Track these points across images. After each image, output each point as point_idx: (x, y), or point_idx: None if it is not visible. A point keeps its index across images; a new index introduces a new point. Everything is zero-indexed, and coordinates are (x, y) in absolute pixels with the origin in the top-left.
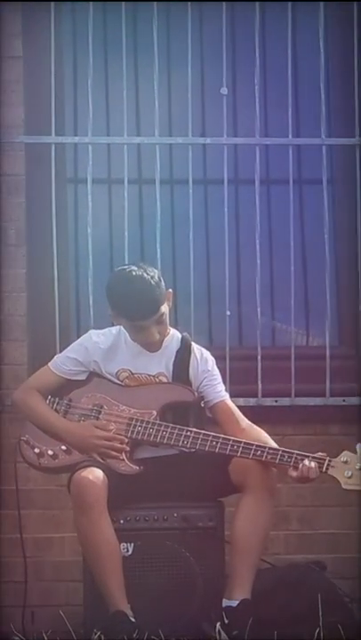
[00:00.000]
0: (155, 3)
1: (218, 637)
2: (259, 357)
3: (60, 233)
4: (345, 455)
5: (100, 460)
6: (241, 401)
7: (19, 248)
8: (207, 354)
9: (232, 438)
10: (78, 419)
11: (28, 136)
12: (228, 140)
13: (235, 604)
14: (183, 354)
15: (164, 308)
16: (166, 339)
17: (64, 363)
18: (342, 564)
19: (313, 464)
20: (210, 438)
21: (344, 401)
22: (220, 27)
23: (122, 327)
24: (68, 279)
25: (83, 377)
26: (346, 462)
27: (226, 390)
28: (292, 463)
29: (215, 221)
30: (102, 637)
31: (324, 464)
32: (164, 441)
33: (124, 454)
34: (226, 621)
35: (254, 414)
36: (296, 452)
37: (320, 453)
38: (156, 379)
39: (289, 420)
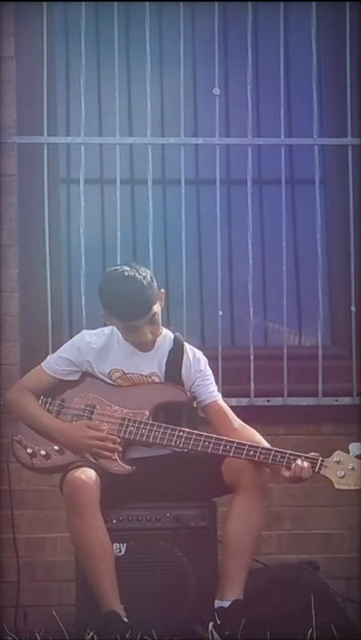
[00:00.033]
0: (147, 3)
1: (210, 638)
2: (251, 357)
3: (52, 233)
4: (338, 455)
5: (93, 461)
6: (233, 401)
7: (11, 248)
8: (200, 354)
9: (225, 438)
10: (71, 419)
11: (21, 136)
12: (221, 140)
13: (227, 604)
14: (176, 354)
15: (157, 308)
16: (159, 339)
17: (57, 363)
18: (335, 564)
19: (306, 464)
20: (202, 438)
21: (337, 401)
22: (212, 27)
23: (114, 327)
24: (60, 279)
25: (75, 377)
26: (338, 462)
27: (218, 390)
28: (284, 463)
29: (207, 221)
30: (95, 637)
31: (316, 464)
32: (157, 441)
33: (116, 454)
34: (218, 622)
35: (247, 414)
36: (289, 451)
37: (313, 453)
38: (148, 379)
39: (281, 420)
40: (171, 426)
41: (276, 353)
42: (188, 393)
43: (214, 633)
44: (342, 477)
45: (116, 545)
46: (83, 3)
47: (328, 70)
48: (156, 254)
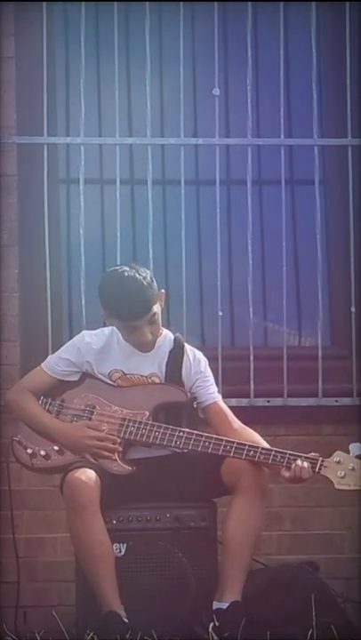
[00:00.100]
0: (147, 3)
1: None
2: (251, 358)
3: (52, 233)
4: (338, 455)
5: (93, 461)
6: (233, 401)
7: (11, 248)
8: (200, 355)
9: (225, 439)
10: (71, 419)
11: (21, 136)
12: (221, 140)
13: (225, 606)
14: (176, 354)
15: (157, 309)
16: (159, 339)
17: (57, 363)
18: (335, 565)
19: (306, 464)
20: (202, 439)
21: (337, 401)
22: (212, 27)
23: (114, 328)
24: (60, 279)
25: (75, 378)
26: (339, 462)
27: (218, 391)
28: (284, 463)
29: (207, 222)
30: (95, 638)
31: (316, 464)
32: (157, 441)
33: (116, 455)
34: (217, 624)
35: (247, 415)
36: (289, 452)
37: (313, 454)
38: (148, 379)
39: (281, 421)
40: (171, 426)
41: (276, 353)
42: (189, 394)
43: (213, 635)
44: (343, 478)
45: (116, 545)
46: (83, 3)
47: (328, 70)
48: (156, 254)
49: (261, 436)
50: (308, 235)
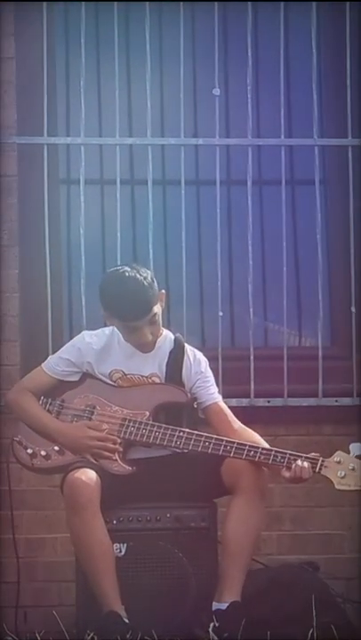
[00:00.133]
0: (147, 3)
1: None
2: (251, 358)
3: (52, 233)
4: (338, 455)
5: (93, 461)
6: (234, 401)
7: (11, 248)
8: (200, 355)
9: (225, 439)
10: (71, 419)
11: (21, 137)
12: (221, 140)
13: (224, 606)
14: (176, 355)
15: (157, 309)
16: (159, 339)
17: (57, 364)
18: (335, 565)
19: (306, 464)
20: (203, 439)
21: (337, 401)
22: (212, 27)
23: (115, 328)
24: (60, 280)
25: (76, 378)
26: (339, 462)
27: (218, 391)
28: (285, 463)
29: (208, 222)
30: (95, 638)
31: (317, 464)
32: (157, 441)
33: (116, 455)
34: (216, 624)
35: (247, 415)
36: (289, 452)
37: (313, 454)
38: (148, 379)
39: (282, 421)
40: (171, 426)
41: (277, 353)
42: (189, 394)
43: (213, 636)
44: (343, 478)
45: (116, 545)
46: (83, 3)
47: (328, 70)
48: (156, 254)
49: (262, 436)
50: (309, 235)
